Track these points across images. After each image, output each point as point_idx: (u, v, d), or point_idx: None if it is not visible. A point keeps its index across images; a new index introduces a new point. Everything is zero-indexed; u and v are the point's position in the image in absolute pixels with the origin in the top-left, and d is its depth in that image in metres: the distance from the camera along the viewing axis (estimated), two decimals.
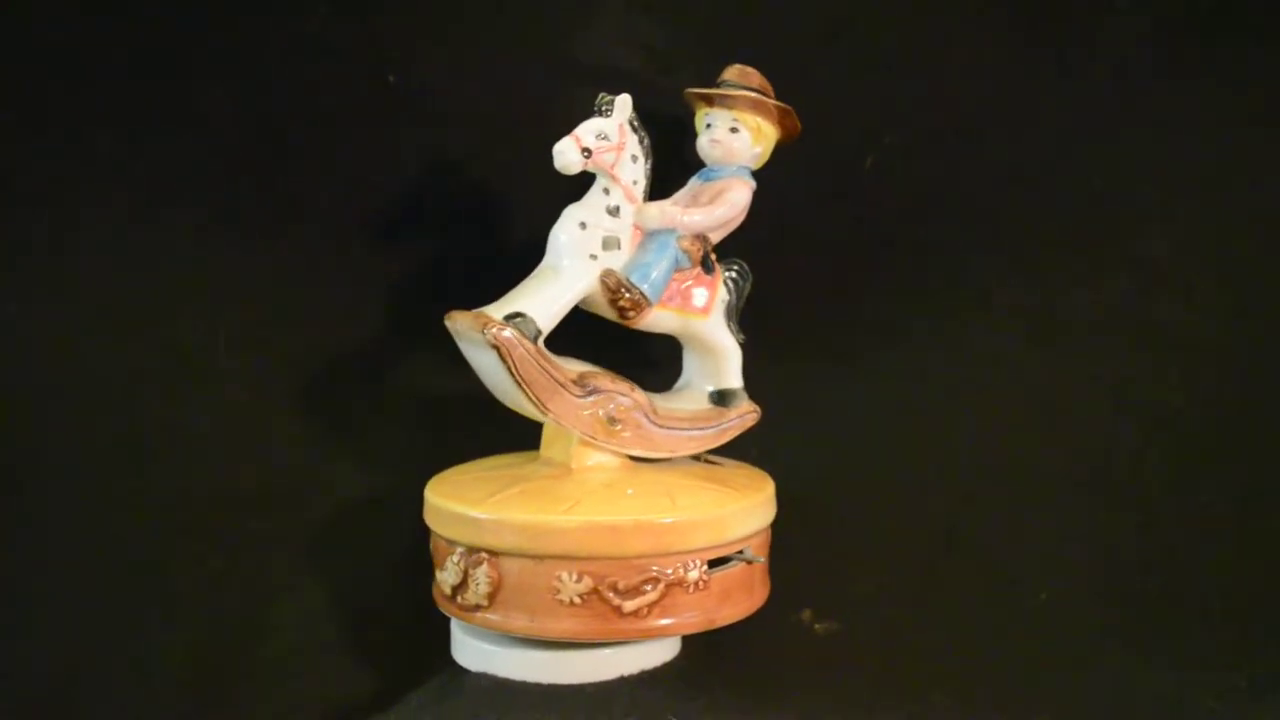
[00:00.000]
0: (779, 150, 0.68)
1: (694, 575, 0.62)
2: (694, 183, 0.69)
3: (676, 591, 0.62)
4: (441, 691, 0.66)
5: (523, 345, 0.62)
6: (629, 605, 0.62)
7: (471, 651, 0.66)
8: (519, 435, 0.70)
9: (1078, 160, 0.75)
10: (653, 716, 0.61)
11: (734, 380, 0.71)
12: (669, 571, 0.62)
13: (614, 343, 0.68)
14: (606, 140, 0.64)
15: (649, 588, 0.62)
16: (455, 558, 0.64)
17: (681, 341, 0.72)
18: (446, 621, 0.68)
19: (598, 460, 0.67)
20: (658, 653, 0.66)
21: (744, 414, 0.70)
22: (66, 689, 0.70)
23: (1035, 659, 0.68)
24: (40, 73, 0.72)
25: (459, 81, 0.73)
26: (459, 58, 0.73)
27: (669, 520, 0.62)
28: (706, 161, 0.69)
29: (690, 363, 0.72)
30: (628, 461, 0.67)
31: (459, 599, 0.64)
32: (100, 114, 0.72)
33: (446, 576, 0.65)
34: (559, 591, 0.62)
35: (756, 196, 0.67)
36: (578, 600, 0.62)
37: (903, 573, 0.74)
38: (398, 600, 0.74)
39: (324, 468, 0.77)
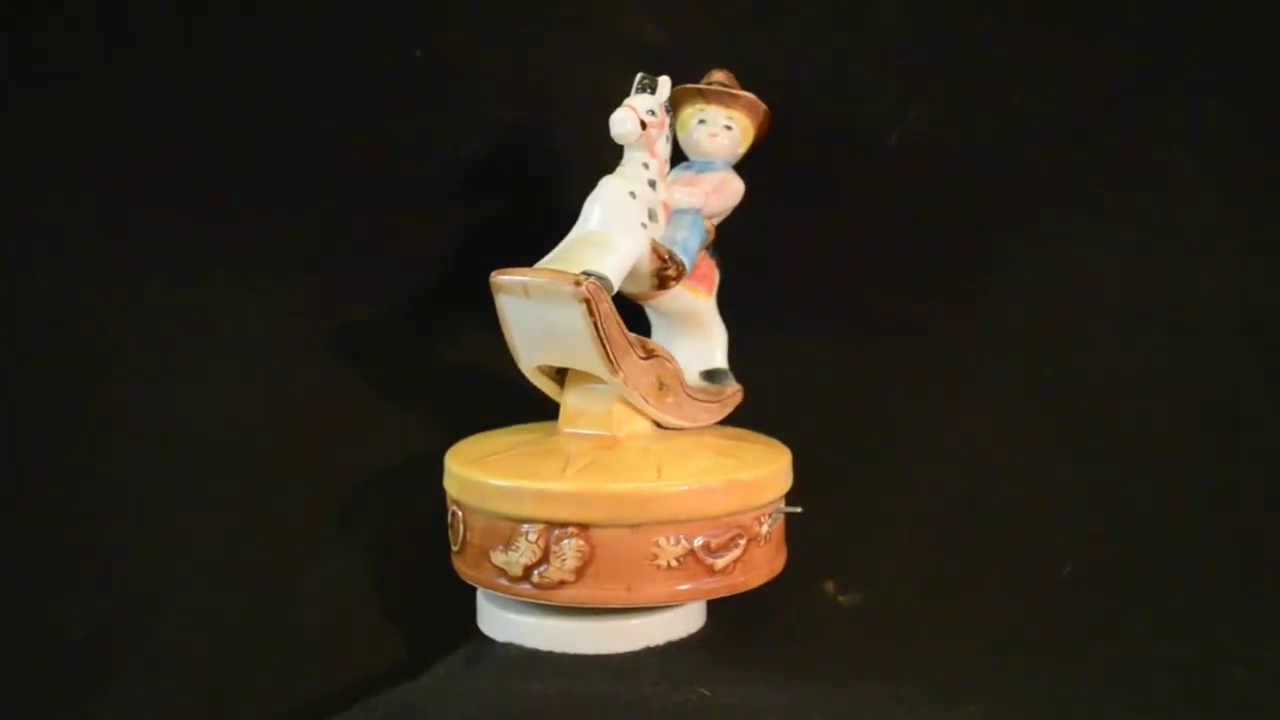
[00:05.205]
0: (802, 125, 0.72)
1: (765, 529, 0.65)
2: (681, 173, 0.71)
3: (753, 546, 0.64)
4: (468, 661, 0.63)
5: (608, 301, 0.62)
6: (720, 563, 0.63)
7: (498, 622, 0.65)
8: (533, 407, 0.69)
9: (1106, 131, 0.75)
10: (680, 686, 0.61)
11: (723, 360, 0.74)
12: (751, 527, 0.64)
13: None
14: (654, 116, 0.66)
15: (738, 544, 0.63)
16: (532, 535, 0.61)
17: (671, 321, 0.73)
18: (472, 592, 0.66)
19: (637, 428, 0.67)
20: (683, 623, 0.67)
21: (735, 392, 0.74)
22: (96, 657, 0.66)
23: (1061, 630, 0.68)
24: (75, 46, 0.69)
25: (483, 56, 0.71)
26: (483, 33, 0.71)
27: (750, 477, 0.64)
28: (694, 153, 0.72)
29: (675, 342, 0.74)
30: (656, 429, 0.68)
31: (535, 577, 0.61)
32: (131, 87, 0.70)
33: (517, 556, 0.62)
34: (657, 557, 0.61)
35: (782, 172, 0.72)
36: (675, 564, 0.62)
37: (926, 545, 0.75)
38: (423, 570, 0.70)
39: (351, 438, 0.73)
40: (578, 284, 0.60)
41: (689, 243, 0.68)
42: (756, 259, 0.74)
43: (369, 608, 0.70)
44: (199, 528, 0.71)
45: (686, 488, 0.61)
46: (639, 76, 0.66)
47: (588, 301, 0.60)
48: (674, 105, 0.71)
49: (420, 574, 0.71)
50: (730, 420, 0.73)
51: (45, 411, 0.71)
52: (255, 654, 0.66)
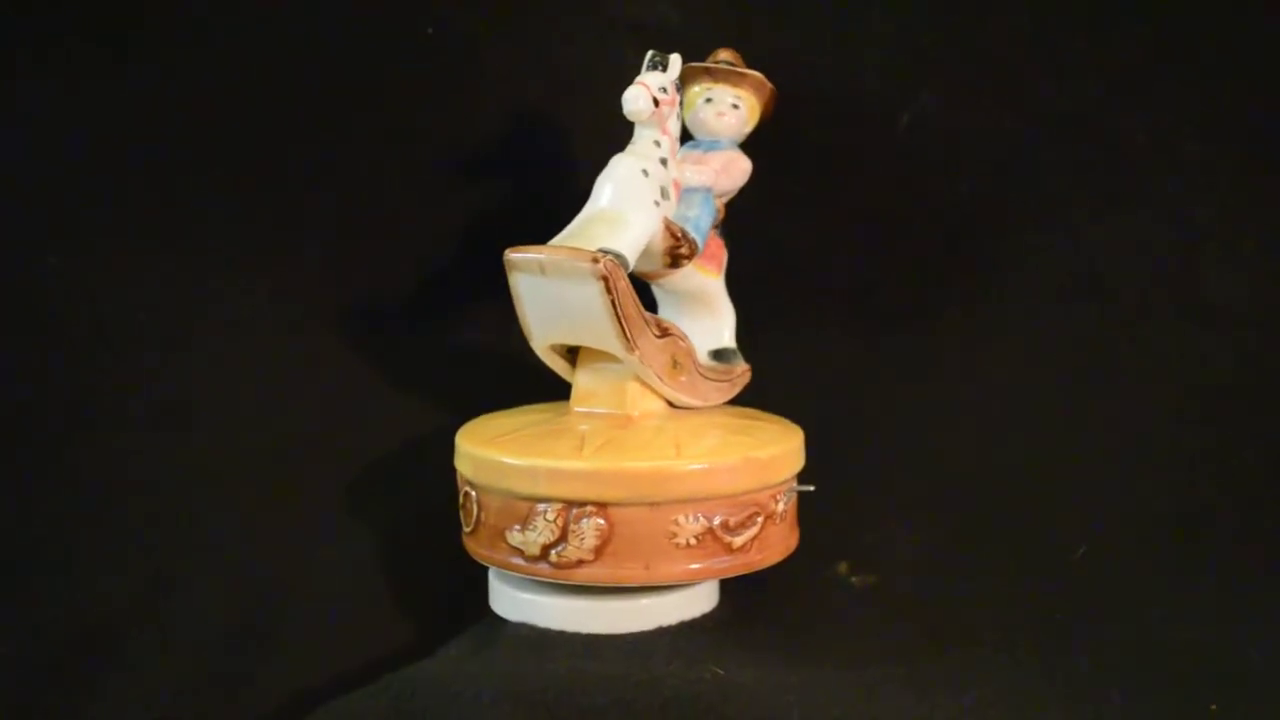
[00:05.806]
0: (812, 107, 0.72)
1: (781, 507, 0.65)
2: (689, 152, 0.71)
3: (769, 524, 0.64)
4: (480, 641, 0.63)
5: (625, 279, 0.61)
6: (738, 541, 0.63)
7: (510, 601, 0.65)
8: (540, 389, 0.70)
9: (1118, 115, 0.75)
10: (693, 666, 0.61)
11: (731, 339, 0.74)
12: (767, 505, 0.64)
13: None
14: (666, 93, 0.65)
15: (755, 522, 0.63)
16: (550, 515, 0.61)
17: (680, 300, 0.73)
18: (483, 572, 0.66)
19: (650, 407, 0.67)
20: (697, 603, 0.67)
21: (744, 371, 0.74)
22: (105, 639, 0.66)
23: (1073, 611, 0.68)
24: (88, 35, 0.70)
25: (493, 36, 0.71)
26: (493, 12, 0.71)
27: (767, 455, 0.64)
28: (701, 132, 0.71)
29: (683, 321, 0.73)
30: (669, 408, 0.68)
31: (553, 556, 0.61)
32: (138, 67, 0.70)
33: (535, 536, 0.61)
34: (676, 535, 0.61)
35: (792, 153, 0.72)
36: (693, 542, 0.62)
37: (939, 527, 0.74)
38: (435, 550, 0.70)
39: (361, 418, 0.73)
40: (595, 261, 0.60)
41: (700, 221, 0.68)
42: (765, 241, 0.74)
43: (378, 589, 0.70)
44: (208, 511, 0.70)
45: (706, 465, 0.61)
46: (650, 54, 0.66)
47: (605, 279, 0.60)
48: (681, 84, 0.70)
49: (430, 555, 0.70)
50: (739, 401, 0.73)
51: (54, 396, 0.70)
52: (264, 635, 0.66)
